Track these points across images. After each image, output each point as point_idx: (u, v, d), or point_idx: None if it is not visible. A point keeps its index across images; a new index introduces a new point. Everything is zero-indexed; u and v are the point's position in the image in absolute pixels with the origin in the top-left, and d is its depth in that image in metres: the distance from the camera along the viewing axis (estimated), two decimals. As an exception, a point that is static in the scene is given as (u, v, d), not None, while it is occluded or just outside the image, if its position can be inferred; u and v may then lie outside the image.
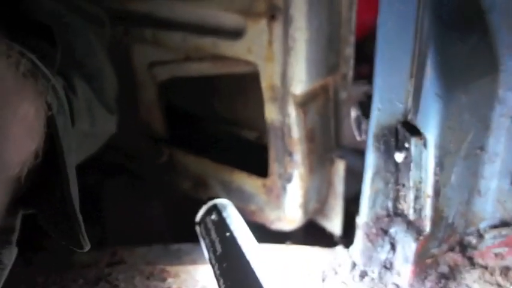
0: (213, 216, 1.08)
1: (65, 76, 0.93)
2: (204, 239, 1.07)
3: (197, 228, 1.11)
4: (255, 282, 0.88)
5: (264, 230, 1.43)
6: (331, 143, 1.38)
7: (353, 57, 1.28)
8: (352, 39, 1.26)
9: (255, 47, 1.22)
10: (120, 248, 1.23)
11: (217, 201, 1.12)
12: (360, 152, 1.10)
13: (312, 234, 1.52)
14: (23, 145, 0.73)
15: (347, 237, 1.20)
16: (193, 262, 1.17)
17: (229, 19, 1.27)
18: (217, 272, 0.96)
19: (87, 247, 0.84)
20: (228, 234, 1.02)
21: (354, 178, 1.14)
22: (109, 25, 1.23)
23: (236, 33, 1.25)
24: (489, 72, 0.89)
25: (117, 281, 1.12)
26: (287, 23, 1.16)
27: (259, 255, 0.95)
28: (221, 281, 0.94)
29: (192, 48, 1.36)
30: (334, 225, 1.46)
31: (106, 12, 1.22)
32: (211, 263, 1.00)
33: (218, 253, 1.00)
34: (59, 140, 0.78)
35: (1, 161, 0.70)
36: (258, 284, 0.88)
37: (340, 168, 1.39)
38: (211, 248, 1.02)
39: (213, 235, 1.04)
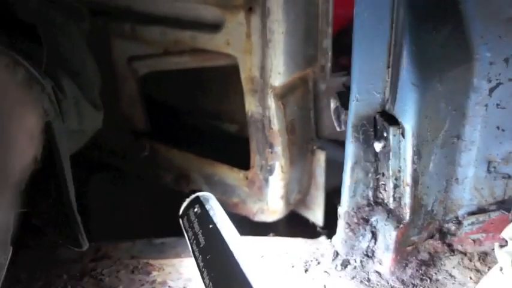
0: (196, 209, 1.09)
1: (52, 75, 0.92)
2: (187, 231, 1.07)
3: (180, 221, 1.11)
4: (239, 273, 0.89)
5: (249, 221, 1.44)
6: (311, 135, 1.39)
7: (331, 49, 1.29)
8: (329, 31, 1.27)
9: (233, 39, 1.23)
10: (105, 243, 1.23)
11: (200, 194, 1.13)
12: (340, 143, 1.11)
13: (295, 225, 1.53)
14: (25, 153, 0.75)
15: (330, 228, 1.21)
16: (178, 255, 1.18)
17: (207, 12, 1.27)
18: (201, 264, 0.97)
19: (86, 246, 0.85)
20: (211, 226, 1.02)
21: (336, 169, 1.15)
22: (89, 19, 1.22)
23: (214, 26, 1.25)
24: (464, 61, 0.91)
25: (102, 275, 1.12)
26: (264, 15, 1.16)
27: (242, 247, 0.96)
28: (205, 273, 0.94)
29: (171, 42, 1.36)
30: (316, 215, 1.47)
31: (85, 6, 1.21)
32: (194, 256, 1.00)
33: (201, 245, 1.00)
34: (56, 146, 0.80)
35: (7, 169, 0.71)
36: (242, 275, 0.88)
37: (321, 159, 1.40)
38: (195, 240, 1.02)
39: (196, 228, 1.04)
